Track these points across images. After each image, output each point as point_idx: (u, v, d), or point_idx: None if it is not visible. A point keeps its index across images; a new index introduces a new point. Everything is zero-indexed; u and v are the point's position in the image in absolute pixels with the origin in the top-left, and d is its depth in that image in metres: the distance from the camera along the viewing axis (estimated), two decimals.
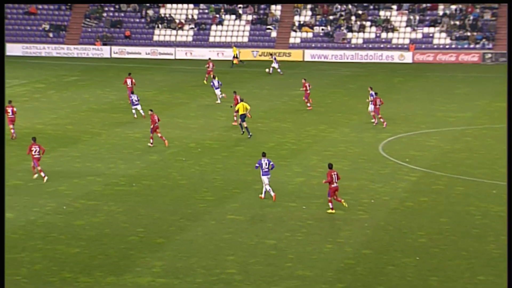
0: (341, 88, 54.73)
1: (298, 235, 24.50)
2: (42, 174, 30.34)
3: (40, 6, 77.81)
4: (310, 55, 70.08)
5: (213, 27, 74.84)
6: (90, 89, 53.35)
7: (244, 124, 38.47)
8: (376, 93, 41.27)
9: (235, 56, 66.16)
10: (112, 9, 76.93)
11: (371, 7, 73.81)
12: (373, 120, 41.31)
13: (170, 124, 41.30)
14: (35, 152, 30.48)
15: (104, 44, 72.86)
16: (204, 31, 74.66)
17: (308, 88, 45.51)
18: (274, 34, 73.66)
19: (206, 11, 76.35)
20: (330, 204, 26.68)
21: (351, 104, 47.84)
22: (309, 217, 26.24)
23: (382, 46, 70.77)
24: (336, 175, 26.59)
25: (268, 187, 27.91)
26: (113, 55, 71.58)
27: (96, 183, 29.93)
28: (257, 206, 27.34)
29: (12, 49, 71.86)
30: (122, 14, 76.43)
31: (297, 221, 25.78)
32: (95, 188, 29.21)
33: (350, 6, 74.03)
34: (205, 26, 74.84)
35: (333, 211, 26.64)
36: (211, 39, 74.14)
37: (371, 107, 41.43)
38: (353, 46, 71.24)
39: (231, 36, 74.08)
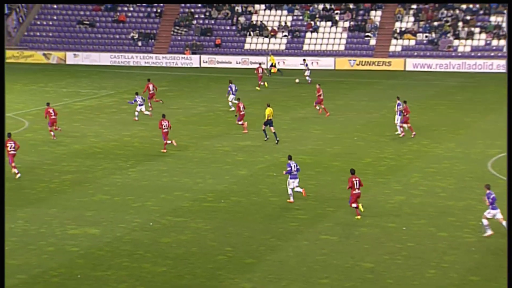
0: (446, 100, 53.75)
1: (397, 258, 24.07)
2: (16, 170, 32.07)
3: (129, 14, 79.67)
4: (412, 64, 69.16)
5: (308, 34, 74.88)
6: (179, 100, 54.13)
7: (272, 129, 39.67)
8: (405, 102, 41.36)
9: (273, 65, 66.80)
10: (202, 16, 78.01)
11: (481, 11, 72.34)
12: (397, 132, 41.26)
13: (261, 137, 41.39)
14: (10, 148, 32.43)
15: (194, 53, 73.88)
16: (298, 38, 74.77)
17: (322, 94, 46.89)
18: (373, 41, 73.10)
19: (301, 17, 76.47)
20: (354, 205, 27.70)
21: (457, 117, 46.91)
22: (410, 238, 25.76)
23: (492, 54, 69.21)
24: (358, 182, 27.54)
25: (291, 191, 29.50)
26: (203, 65, 72.49)
27: (183, 198, 30.25)
28: (352, 226, 27.04)
29: (100, 58, 73.77)
30: (213, 22, 77.40)
31: (396, 243, 25.35)
32: (182, 204, 29.51)
33: (457, 11, 72.77)
34: (299, 34, 74.95)
35: (359, 217, 27.56)
36: (305, 47, 74.18)
37: (397, 118, 41.47)
38: (460, 54, 69.96)
39: (327, 44, 73.93)
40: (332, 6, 76.25)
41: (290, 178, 29.46)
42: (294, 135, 42.32)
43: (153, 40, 76.70)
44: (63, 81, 61.18)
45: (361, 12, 75.23)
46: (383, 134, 42.03)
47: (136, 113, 45.28)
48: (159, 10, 79.01)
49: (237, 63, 72.22)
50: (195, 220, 27.59)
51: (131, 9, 79.94)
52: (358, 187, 27.59)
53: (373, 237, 25.96)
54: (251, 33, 75.71)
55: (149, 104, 48.38)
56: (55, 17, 79.87)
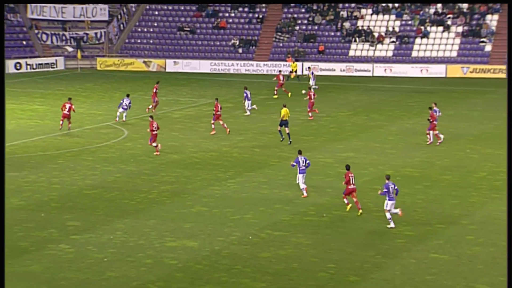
0: None
1: None
2: None
3: (230, 20, 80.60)
4: None
5: (417, 40, 74.06)
6: (279, 109, 54.26)
7: (287, 130, 41.89)
8: (430, 108, 42.09)
9: (294, 70, 67.68)
10: (305, 22, 78.23)
11: None
12: (427, 140, 41.72)
13: (365, 148, 41.17)
14: None
15: (296, 60, 74.06)
16: (407, 44, 74.04)
17: (312, 97, 49.13)
18: (488, 47, 71.65)
19: (410, 22, 75.71)
20: (345, 200, 30.01)
21: None
22: None
23: None
24: (353, 177, 29.83)
25: (302, 186, 31.56)
26: (305, 72, 72.56)
27: (283, 212, 30.36)
28: (464, 244, 26.56)
29: (200, 65, 74.88)
30: (316, 27, 77.50)
31: None
32: (282, 218, 29.61)
33: None
34: (408, 40, 74.20)
35: (350, 205, 29.88)
36: (414, 53, 73.38)
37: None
38: None
39: (438, 50, 72.94)
40: (445, 10, 75.17)
41: (299, 173, 31.64)
42: (401, 146, 41.89)
43: (254, 47, 77.37)
44: (163, 90, 62.28)
45: (475, 16, 73.87)
46: (499, 147, 41.12)
47: (118, 114, 47.55)
48: (260, 16, 79.64)
49: (341, 70, 72.03)
50: (296, 234, 27.64)
51: (232, 15, 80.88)
52: (353, 182, 29.85)
53: (487, 256, 25.42)
54: (357, 39, 75.40)
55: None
56: (155, 24, 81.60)
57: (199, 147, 41.60)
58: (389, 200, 28.66)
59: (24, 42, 78.22)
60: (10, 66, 72.76)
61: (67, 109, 44.98)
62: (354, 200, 29.92)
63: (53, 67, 75.15)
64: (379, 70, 71.21)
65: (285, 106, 43.39)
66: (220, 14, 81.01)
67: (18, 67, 73.10)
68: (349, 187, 29.83)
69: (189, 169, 36.86)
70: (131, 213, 29.87)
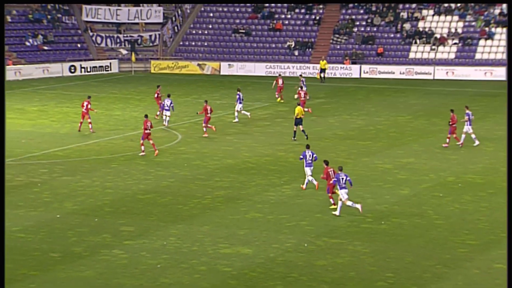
0: None
1: None
2: None
3: (286, 22, 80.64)
4: None
5: (481, 42, 73.19)
6: (336, 113, 54.22)
7: (301, 128, 43.65)
8: (451, 110, 42.40)
9: (324, 69, 68.50)
10: (363, 23, 77.90)
11: None
12: (458, 143, 42.21)
13: (426, 153, 40.79)
14: None
15: (354, 63, 73.82)
16: (470, 46, 73.23)
17: (303, 96, 51.76)
18: None
19: (473, 23, 74.87)
20: (331, 200, 31.09)
21: None
22: None
23: None
24: (333, 171, 30.88)
25: (310, 178, 33.47)
26: (363, 75, 72.30)
27: (340, 219, 30.22)
28: None
29: (255, 68, 75.02)
30: (375, 29, 77.12)
31: None
32: (339, 225, 29.49)
33: None
34: (471, 41, 73.37)
35: (335, 206, 30.51)
36: (478, 56, 72.56)
37: (466, 128, 42.49)
38: None
39: (503, 52, 71.94)
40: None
41: (306, 166, 33.57)
42: (463, 152, 41.43)
43: (310, 49, 77.29)
44: (217, 93, 62.67)
45: None
46: None
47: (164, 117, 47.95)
48: (317, 17, 79.54)
49: (400, 73, 71.52)
50: (353, 242, 27.50)
51: (289, 16, 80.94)
52: (333, 176, 30.77)
53: None
54: (417, 41, 74.81)
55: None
56: (210, 26, 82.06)
57: (253, 152, 41.67)
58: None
59: (79, 45, 79.31)
60: (64, 69, 73.80)
61: (84, 107, 46.00)
62: (329, 195, 31.33)
63: (107, 70, 76.04)
64: (441, 73, 70.51)
65: (299, 105, 44.88)
66: (276, 16, 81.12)
67: (72, 70, 74.12)
68: (330, 182, 30.99)
69: (244, 174, 36.94)
70: (185, 218, 30.04)
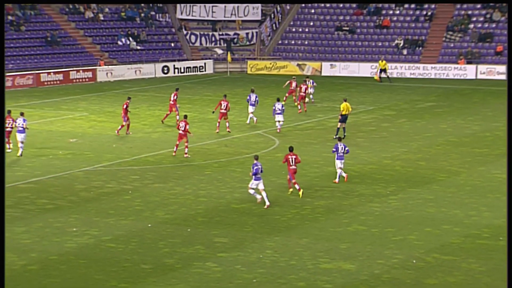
0: None
1: None
2: (9, 146, 41.89)
3: (395, 18, 79.98)
4: None
5: None
6: (449, 118, 53.46)
7: (343, 125, 45.64)
8: None
9: (384, 69, 68.59)
10: (481, 19, 76.62)
11: None
12: None
13: None
14: (8, 124, 41.85)
15: (469, 63, 72.64)
16: None
17: (304, 89, 54.98)
18: None
19: None
20: (296, 186, 34.09)
21: None
22: None
23: None
24: (294, 159, 34.05)
25: (339, 171, 36.16)
26: (479, 76, 71.09)
27: (452, 233, 29.79)
28: None
29: (360, 69, 74.65)
30: (494, 25, 75.76)
31: None
32: (451, 240, 29.07)
33: None
34: None
35: (291, 190, 34.20)
36: None
37: None
38: None
39: None
40: None
41: (337, 159, 36.31)
42: None
43: (420, 48, 76.44)
44: (318, 95, 62.55)
45: None
46: None
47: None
48: (429, 13, 78.64)
49: None
50: (467, 259, 27.05)
51: (397, 12, 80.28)
52: (294, 163, 34.08)
53: None
54: None
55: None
56: (311, 23, 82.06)
57: (357, 159, 41.45)
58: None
59: (172, 44, 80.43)
60: (157, 70, 74.97)
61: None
62: (293, 181, 34.27)
63: (202, 71, 76.92)
64: None
65: (345, 101, 46.68)
66: (383, 12, 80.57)
67: (165, 71, 75.24)
68: (290, 167, 34.13)
69: (346, 183, 36.77)
70: (282, 230, 30.09)
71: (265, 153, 42.98)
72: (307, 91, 55.77)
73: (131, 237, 29.02)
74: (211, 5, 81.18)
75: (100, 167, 39.41)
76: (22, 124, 41.96)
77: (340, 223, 30.95)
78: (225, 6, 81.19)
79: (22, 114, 43.24)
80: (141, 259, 26.76)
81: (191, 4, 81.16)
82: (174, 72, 75.19)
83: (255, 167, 32.67)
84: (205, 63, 77.81)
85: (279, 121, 48.26)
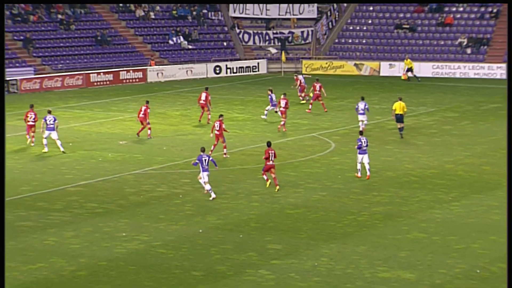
0: None
1: None
2: (32, 139, 43.81)
3: (458, 15, 79.34)
4: None
5: None
6: None
7: (400, 125, 46.52)
8: None
9: (410, 68, 69.52)
10: None
11: None
12: None
13: None
14: (30, 118, 43.92)
15: None
16: None
17: (301, 82, 58.66)
18: None
19: None
20: (264, 177, 36.28)
21: None
22: None
23: None
24: (273, 154, 35.75)
25: (367, 166, 37.50)
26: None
27: None
28: None
29: (421, 69, 74.13)
30: None
31: None
32: None
33: None
34: None
35: (269, 181, 36.01)
36: None
37: None
38: None
39: None
40: None
41: (359, 154, 37.33)
42: None
43: (485, 47, 75.70)
44: (376, 96, 62.33)
45: None
46: None
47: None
48: (495, 10, 77.85)
49: None
50: None
51: (461, 9, 79.66)
52: (272, 159, 35.67)
53: None
54: None
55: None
56: (369, 21, 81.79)
57: (417, 163, 41.18)
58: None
59: (225, 44, 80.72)
60: (209, 70, 75.30)
61: (142, 112, 47.06)
62: (273, 176, 35.79)
63: (255, 71, 77.08)
64: None
65: (400, 100, 47.02)
66: (446, 9, 79.97)
67: (217, 71, 75.53)
68: (268, 163, 35.67)
69: (405, 188, 36.56)
70: (338, 237, 30.00)
71: (321, 156, 42.89)
72: (321, 90, 56.05)
73: (181, 242, 29.15)
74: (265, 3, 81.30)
75: (150, 170, 39.67)
76: (53, 122, 42.75)
77: (399, 230, 30.75)
78: (279, 4, 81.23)
79: (49, 112, 44.13)
80: (192, 266, 26.86)
81: (245, 2, 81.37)
82: (226, 72, 75.46)
83: (200, 159, 34.49)
84: (258, 63, 77.96)
85: (362, 121, 48.43)
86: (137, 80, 71.61)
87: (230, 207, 33.74)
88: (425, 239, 29.82)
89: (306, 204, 34.04)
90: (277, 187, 35.79)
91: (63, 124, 51.50)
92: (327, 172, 39.16)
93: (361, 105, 48.59)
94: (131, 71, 71.64)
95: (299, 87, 60.51)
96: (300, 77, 61.42)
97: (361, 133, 38.80)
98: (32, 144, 44.41)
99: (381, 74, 75.42)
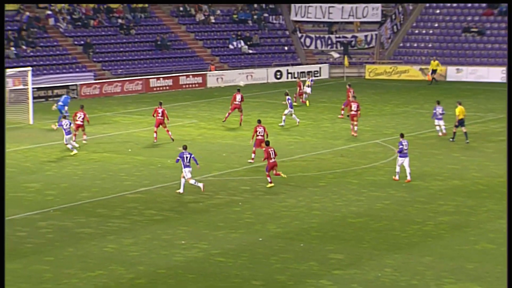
0: None
1: None
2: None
3: None
4: None
5: None
6: None
7: (463, 129, 46.72)
8: None
9: (435, 70, 69.92)
10: None
11: None
12: None
13: None
14: (79, 118, 45.85)
15: None
16: None
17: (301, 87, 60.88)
18: None
19: None
20: (268, 178, 37.19)
21: None
22: None
23: None
24: (273, 152, 36.96)
25: (398, 168, 38.28)
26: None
27: None
28: None
29: (489, 74, 73.50)
30: None
31: None
32: None
33: None
34: None
35: (272, 184, 37.06)
36: None
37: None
38: None
39: None
40: None
41: (400, 157, 38.09)
42: None
43: None
44: (442, 102, 61.77)
45: None
46: None
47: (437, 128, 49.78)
48: None
49: None
50: None
51: None
52: (273, 156, 36.90)
53: None
54: None
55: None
56: (436, 25, 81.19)
57: (485, 172, 40.77)
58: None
59: (286, 48, 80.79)
60: (270, 75, 75.39)
61: (160, 115, 47.45)
62: (274, 172, 37.09)
63: (316, 76, 76.96)
64: None
65: (460, 104, 47.44)
66: None
67: (278, 76, 75.58)
68: (270, 161, 36.88)
69: (473, 197, 36.20)
70: (403, 247, 29.80)
71: (384, 163, 42.67)
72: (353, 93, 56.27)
73: (241, 251, 29.20)
74: (327, 6, 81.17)
75: (210, 177, 39.83)
76: (69, 126, 44.61)
77: (466, 241, 30.45)
78: (342, 7, 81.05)
79: (64, 117, 46.32)
80: (251, 275, 26.90)
81: (307, 5, 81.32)
82: (287, 77, 75.48)
83: (182, 156, 36.25)
84: (320, 68, 77.87)
85: (439, 126, 48.60)
86: (196, 85, 71.99)
87: (291, 215, 33.72)
88: (493, 250, 29.48)
89: (369, 213, 33.88)
90: (283, 175, 37.82)
91: (122, 129, 51.99)
92: (390, 180, 38.93)
93: (439, 110, 48.85)
94: (190, 76, 72.05)
95: (299, 91, 62.24)
96: (308, 81, 62.95)
97: (402, 136, 38.82)
98: (84, 142, 46.82)
99: (448, 79, 74.80)
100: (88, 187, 38.03)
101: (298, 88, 62.58)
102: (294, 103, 58.86)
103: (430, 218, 33.17)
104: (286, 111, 53.21)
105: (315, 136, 50.16)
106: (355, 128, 49.47)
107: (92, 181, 39.14)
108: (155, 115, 47.77)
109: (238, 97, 52.85)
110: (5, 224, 31.02)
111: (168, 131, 47.78)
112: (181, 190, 36.47)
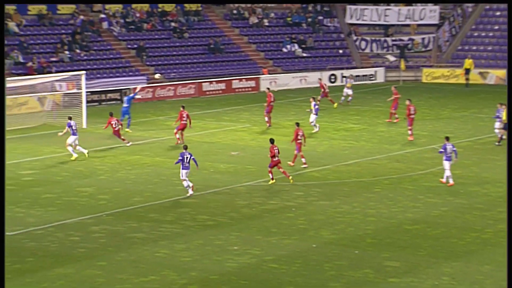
0: None
1: None
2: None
3: None
4: None
5: None
6: None
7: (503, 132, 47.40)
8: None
9: (468, 69, 70.99)
10: None
11: None
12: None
13: None
14: (114, 125, 46.83)
15: None
16: None
17: (325, 87, 61.82)
18: None
19: None
20: (270, 175, 38.70)
21: None
22: None
23: None
24: (277, 150, 38.37)
25: (449, 173, 38.39)
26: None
27: None
28: None
29: None
30: None
31: None
32: None
33: None
34: None
35: (273, 181, 38.55)
36: None
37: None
38: None
39: None
40: None
41: (445, 160, 38.44)
42: None
43: None
44: (494, 108, 61.14)
45: None
46: None
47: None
48: None
49: None
50: None
51: None
52: (277, 154, 38.39)
53: None
54: None
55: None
56: (496, 27, 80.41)
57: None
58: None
59: (341, 51, 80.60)
60: (324, 78, 75.16)
61: (184, 118, 48.17)
62: (281, 170, 38.62)
63: (372, 79, 76.69)
64: None
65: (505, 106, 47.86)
66: None
67: (332, 80, 75.38)
68: (274, 159, 38.32)
69: None
70: (461, 255, 29.57)
71: (441, 169, 42.30)
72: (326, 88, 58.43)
73: (294, 257, 29.19)
74: (383, 8, 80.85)
75: (263, 182, 39.86)
76: (76, 127, 45.03)
77: None
78: (399, 10, 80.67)
79: (70, 118, 45.88)
80: (305, 282, 26.86)
81: (362, 7, 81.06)
82: (342, 81, 75.20)
83: (182, 156, 36.63)
84: (375, 71, 77.57)
85: (500, 129, 48.63)
86: (249, 89, 72.10)
87: (345, 221, 33.63)
88: None
89: (425, 220, 33.67)
90: (290, 177, 38.86)
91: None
92: (448, 187, 38.65)
93: (502, 112, 48.28)
94: (243, 80, 72.18)
95: (322, 93, 62.19)
96: (323, 83, 63.81)
97: (447, 139, 39.18)
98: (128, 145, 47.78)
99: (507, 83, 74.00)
100: (141, 191, 38.28)
101: (322, 89, 62.34)
102: (334, 106, 60.27)
103: (489, 226, 32.87)
104: (312, 118, 52.73)
105: (370, 141, 49.96)
106: (410, 132, 49.51)
107: (144, 186, 39.39)
108: (180, 119, 48.53)
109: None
110: (58, 228, 31.28)
111: (182, 134, 48.49)
112: (190, 192, 37.09)
